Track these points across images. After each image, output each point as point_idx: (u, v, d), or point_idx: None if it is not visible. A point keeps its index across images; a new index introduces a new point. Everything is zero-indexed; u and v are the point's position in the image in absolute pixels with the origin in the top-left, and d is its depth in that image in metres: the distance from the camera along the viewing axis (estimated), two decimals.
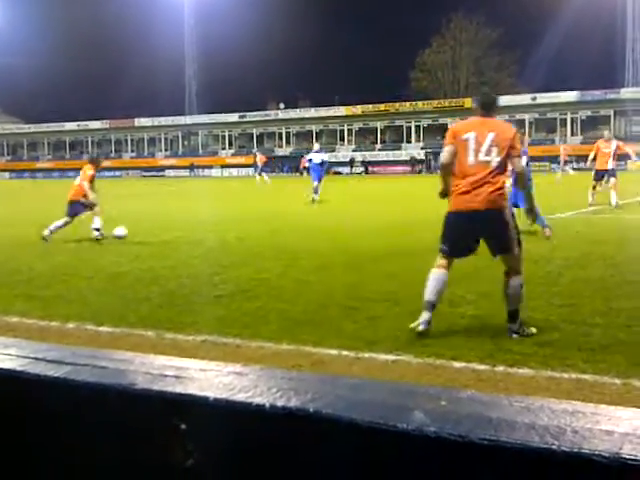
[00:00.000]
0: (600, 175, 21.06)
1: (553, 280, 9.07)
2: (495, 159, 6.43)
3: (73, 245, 14.22)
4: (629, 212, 19.11)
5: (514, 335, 6.45)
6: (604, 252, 11.45)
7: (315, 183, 26.16)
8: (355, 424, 0.88)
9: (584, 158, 26.83)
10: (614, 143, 21.51)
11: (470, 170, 6.47)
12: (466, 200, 6.48)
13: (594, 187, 21.12)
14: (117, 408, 1.06)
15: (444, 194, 6.86)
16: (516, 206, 16.08)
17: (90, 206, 15.38)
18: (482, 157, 6.44)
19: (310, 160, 27.72)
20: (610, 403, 4.35)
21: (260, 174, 46.78)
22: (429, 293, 6.61)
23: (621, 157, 22.97)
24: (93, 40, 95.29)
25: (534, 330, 6.52)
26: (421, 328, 6.50)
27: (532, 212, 7.37)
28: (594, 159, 21.50)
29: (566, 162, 49.89)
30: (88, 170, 15.80)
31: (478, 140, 6.48)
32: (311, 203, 25.38)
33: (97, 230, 15.05)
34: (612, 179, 20.71)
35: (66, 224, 15.18)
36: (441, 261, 6.73)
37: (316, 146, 29.49)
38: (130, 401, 1.04)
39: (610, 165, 20.85)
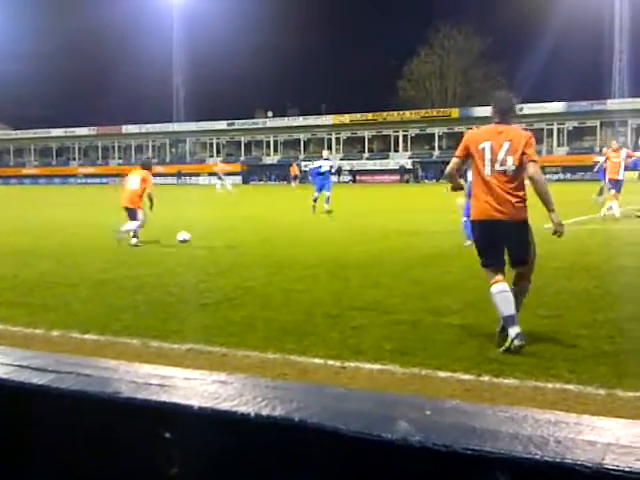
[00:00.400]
0: (613, 184, 20.79)
1: (539, 291, 9.10)
2: (511, 168, 6.43)
3: (58, 252, 14.15)
4: (618, 223, 19.21)
5: (522, 341, 6.34)
6: (590, 263, 11.51)
7: (329, 193, 25.31)
8: (340, 434, 0.88)
9: (570, 169, 27.06)
10: (623, 151, 21.35)
11: (488, 181, 6.48)
12: (488, 209, 6.48)
13: (615, 197, 20.68)
14: (101, 416, 1.06)
15: (455, 189, 7.06)
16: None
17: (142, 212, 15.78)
18: (498, 167, 6.45)
19: (319, 167, 26.33)
20: (594, 413, 4.36)
21: (222, 182, 46.98)
22: (504, 309, 6.41)
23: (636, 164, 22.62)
24: (81, 47, 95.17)
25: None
26: (522, 343, 6.25)
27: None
28: (604, 170, 21.34)
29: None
30: (142, 175, 16.02)
31: (494, 150, 6.48)
32: (312, 211, 24.64)
33: (124, 232, 15.41)
34: (613, 191, 20.66)
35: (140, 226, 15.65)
36: (491, 275, 6.58)
37: (325, 153, 28.55)
38: (114, 409, 1.04)
39: (621, 175, 20.69)
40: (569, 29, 73.42)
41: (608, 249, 13.94)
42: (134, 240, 15.28)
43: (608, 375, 5.60)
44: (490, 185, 6.46)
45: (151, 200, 15.80)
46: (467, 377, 5.70)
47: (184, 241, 15.37)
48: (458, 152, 6.84)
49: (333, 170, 26.27)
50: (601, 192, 25.63)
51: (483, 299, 8.56)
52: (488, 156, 6.47)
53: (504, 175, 6.44)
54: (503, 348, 6.30)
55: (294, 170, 64.23)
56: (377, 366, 6.02)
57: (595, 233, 16.85)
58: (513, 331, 6.27)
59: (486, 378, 5.66)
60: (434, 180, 70.53)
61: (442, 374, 5.78)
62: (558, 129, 74.05)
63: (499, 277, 6.53)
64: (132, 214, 15.58)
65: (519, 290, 6.65)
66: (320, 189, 25.53)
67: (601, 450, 0.80)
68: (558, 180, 63.21)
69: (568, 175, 65.56)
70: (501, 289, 6.45)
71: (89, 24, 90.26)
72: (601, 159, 27.28)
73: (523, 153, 6.41)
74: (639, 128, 69.31)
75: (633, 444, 0.81)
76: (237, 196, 41.55)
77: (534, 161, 6.46)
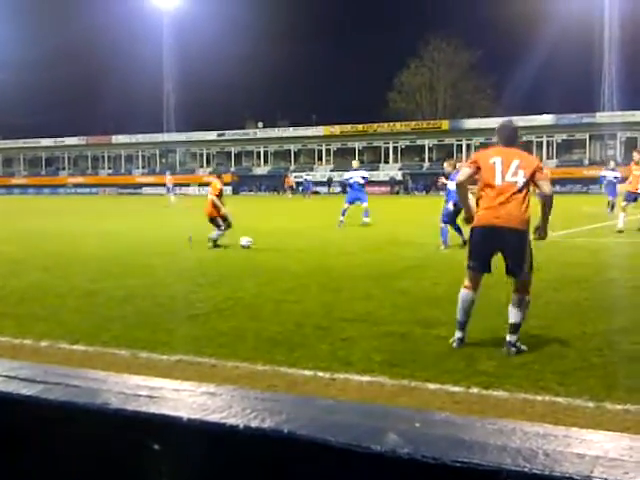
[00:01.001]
0: (632, 197, 20.70)
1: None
2: (521, 180, 6.74)
3: (47, 262, 14.10)
4: (608, 236, 19.28)
5: (512, 348, 6.67)
6: (580, 275, 11.54)
7: (364, 204, 23.93)
8: (329, 445, 0.88)
9: (559, 181, 27.10)
10: None
11: (497, 189, 6.78)
12: (491, 215, 6.78)
13: (624, 209, 20.59)
14: (90, 428, 1.06)
15: (469, 219, 7.17)
16: (449, 222, 16.36)
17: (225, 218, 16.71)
18: (509, 178, 6.76)
19: (350, 179, 24.75)
20: (583, 426, 4.37)
21: (171, 193, 47.05)
22: (458, 314, 7.02)
23: None
24: (71, 56, 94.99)
25: (525, 347, 6.74)
26: (454, 345, 6.93)
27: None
28: (614, 184, 21.12)
29: None
30: (215, 184, 16.51)
31: (505, 163, 6.81)
32: (338, 224, 23.14)
33: (215, 240, 16.43)
34: (625, 202, 20.58)
35: (224, 231, 16.65)
36: (467, 282, 7.07)
37: (355, 164, 26.89)
38: (103, 421, 1.04)
39: None
40: (558, 42, 73.91)
41: (598, 261, 13.98)
42: (209, 244, 16.29)
43: (597, 388, 5.61)
44: (498, 193, 6.76)
45: (215, 206, 16.65)
46: (456, 389, 5.70)
47: (247, 246, 16.05)
48: (467, 164, 7.20)
49: (363, 181, 24.45)
50: (613, 206, 25.37)
51: (472, 311, 8.58)
52: (499, 168, 6.80)
53: (514, 185, 6.75)
54: (450, 340, 7.01)
55: (289, 181, 64.41)
56: (367, 378, 6.01)
57: (585, 245, 16.90)
58: (457, 334, 6.98)
59: (475, 390, 5.66)
60: (424, 192, 70.74)
61: (431, 386, 5.78)
62: (547, 141, 74.37)
63: (470, 284, 7.05)
64: (212, 222, 16.68)
65: (517, 300, 6.88)
66: (351, 201, 24.21)
67: (590, 463, 0.80)
68: None
69: (557, 187, 65.43)
70: (465, 296, 7.05)
71: (79, 33, 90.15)
72: (608, 172, 27.15)
73: (535, 172, 6.79)
74: (628, 141, 69.60)
75: (621, 457, 0.81)
76: (183, 207, 41.75)
77: (546, 180, 6.94)
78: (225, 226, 16.62)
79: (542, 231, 7.08)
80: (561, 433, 0.88)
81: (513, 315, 6.82)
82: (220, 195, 16.78)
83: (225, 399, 1.04)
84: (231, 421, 0.95)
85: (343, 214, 23.67)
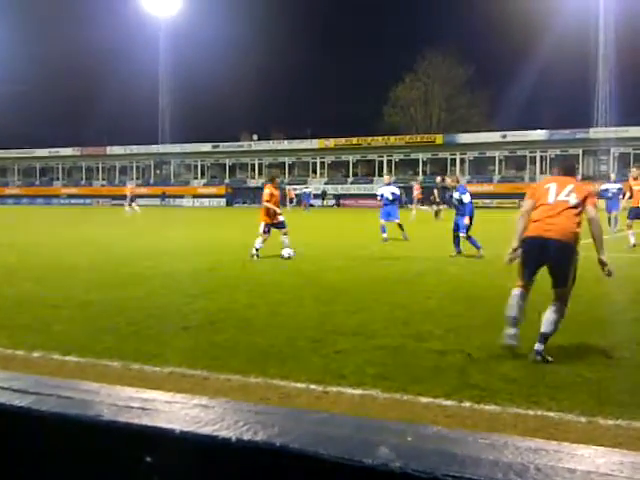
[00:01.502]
0: (635, 213, 20.59)
1: None
2: (573, 200, 7.20)
3: (41, 272, 14.06)
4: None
5: (538, 357, 6.87)
6: (574, 289, 11.52)
7: (397, 221, 23.05)
8: (321, 459, 0.88)
9: None
10: None
11: (550, 206, 7.25)
12: (541, 227, 7.20)
13: (630, 226, 20.53)
14: (82, 439, 1.05)
15: (512, 258, 7.47)
16: (456, 231, 17.08)
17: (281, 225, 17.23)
18: (561, 197, 7.25)
19: (381, 195, 23.64)
20: (575, 441, 4.37)
21: (130, 204, 47.17)
22: (508, 309, 7.24)
23: None
24: (66, 66, 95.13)
25: (551, 359, 6.90)
26: (507, 342, 7.13)
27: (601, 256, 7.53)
28: (630, 197, 21.09)
29: None
30: (267, 189, 16.91)
31: (559, 187, 7.34)
32: (382, 243, 22.05)
33: (257, 249, 16.92)
34: (628, 220, 20.51)
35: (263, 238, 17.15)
36: (520, 282, 7.37)
37: (387, 178, 26.05)
38: (95, 432, 1.03)
39: None
40: (552, 58, 74.44)
41: (593, 276, 13.98)
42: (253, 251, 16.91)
43: (589, 402, 5.61)
44: (550, 209, 7.21)
45: (266, 214, 17.24)
46: (448, 403, 5.69)
47: (289, 257, 16.48)
48: (528, 195, 7.64)
49: (393, 197, 23.34)
50: (616, 222, 25.34)
51: (464, 325, 8.60)
52: (553, 190, 7.32)
53: (566, 203, 7.20)
54: (500, 341, 7.20)
55: (290, 194, 64.60)
56: (359, 391, 6.00)
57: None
58: (510, 331, 7.12)
59: (467, 404, 5.66)
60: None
61: (424, 400, 5.78)
62: (541, 156, 74.57)
63: (522, 284, 7.34)
64: (270, 227, 17.30)
65: (555, 309, 7.16)
66: (386, 217, 23.21)
67: (581, 478, 0.80)
68: None
69: None
70: (517, 293, 7.30)
71: (75, 44, 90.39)
72: (611, 185, 27.06)
73: (586, 197, 7.24)
74: (621, 157, 69.87)
75: (612, 472, 0.82)
76: (143, 216, 42.05)
77: (594, 205, 7.31)
78: (267, 236, 17.20)
79: (603, 264, 7.39)
80: (553, 448, 0.88)
81: (547, 324, 7.05)
82: (272, 200, 17.32)
83: (218, 412, 1.04)
84: (223, 434, 0.95)
85: (383, 231, 22.92)
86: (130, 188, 49.06)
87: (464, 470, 0.83)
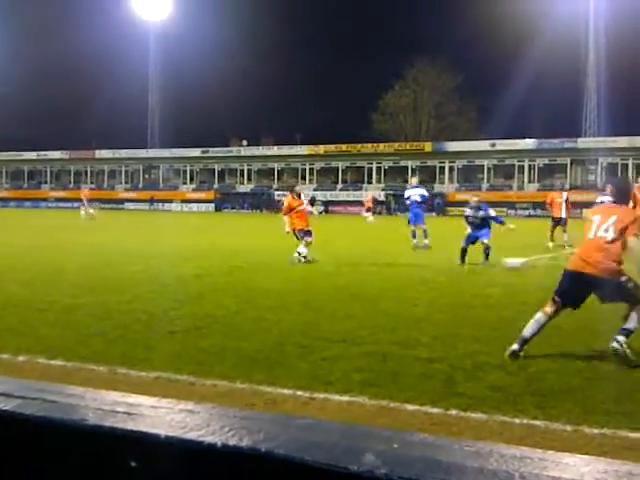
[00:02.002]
0: None
1: (508, 325, 9.14)
2: (611, 235, 7.51)
3: (27, 276, 14.00)
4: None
5: (616, 346, 7.23)
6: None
7: (423, 226, 22.33)
8: (307, 465, 0.88)
9: (540, 205, 26.98)
10: None
11: (590, 242, 7.65)
12: (580, 262, 7.64)
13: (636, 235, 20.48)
14: (66, 444, 1.05)
15: None
16: (474, 242, 17.19)
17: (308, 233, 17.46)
18: (600, 233, 7.59)
19: (408, 198, 22.76)
20: (560, 449, 4.38)
21: (86, 208, 47.32)
22: (525, 329, 7.51)
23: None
24: (55, 70, 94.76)
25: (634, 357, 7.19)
26: (508, 354, 7.32)
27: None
28: (634, 207, 21.10)
29: None
30: (285, 201, 17.75)
31: (601, 221, 7.66)
32: (413, 250, 21.53)
33: (300, 254, 17.07)
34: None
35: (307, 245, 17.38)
36: (548, 308, 7.64)
37: (414, 181, 25.02)
38: (80, 437, 1.03)
39: None
40: (542, 67, 74.81)
41: None
42: (300, 258, 17.17)
43: (575, 411, 5.63)
44: (590, 245, 7.62)
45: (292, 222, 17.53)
46: (435, 410, 5.70)
47: (514, 268, 15.85)
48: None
49: (421, 199, 22.56)
50: None
51: (451, 333, 8.62)
52: (595, 224, 7.68)
53: (603, 239, 7.52)
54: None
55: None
56: (346, 398, 6.00)
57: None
58: (514, 346, 7.35)
59: (454, 412, 5.67)
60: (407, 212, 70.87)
61: (410, 407, 5.78)
62: (529, 165, 74.80)
63: (549, 310, 7.60)
64: (302, 233, 17.50)
65: (634, 309, 7.47)
66: (414, 221, 22.50)
67: None
68: (529, 216, 63.86)
69: (538, 211, 66.20)
70: (539, 317, 7.59)
71: (64, 47, 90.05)
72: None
73: (627, 227, 7.52)
74: (609, 167, 70.20)
75: None
76: (100, 220, 42.51)
77: (636, 235, 7.57)
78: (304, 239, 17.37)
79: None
80: (538, 456, 0.89)
81: (633, 321, 7.39)
82: (292, 210, 17.47)
83: (203, 417, 1.03)
84: (209, 439, 0.95)
85: (413, 236, 22.32)
86: (84, 192, 49.17)
87: (449, 477, 0.83)
